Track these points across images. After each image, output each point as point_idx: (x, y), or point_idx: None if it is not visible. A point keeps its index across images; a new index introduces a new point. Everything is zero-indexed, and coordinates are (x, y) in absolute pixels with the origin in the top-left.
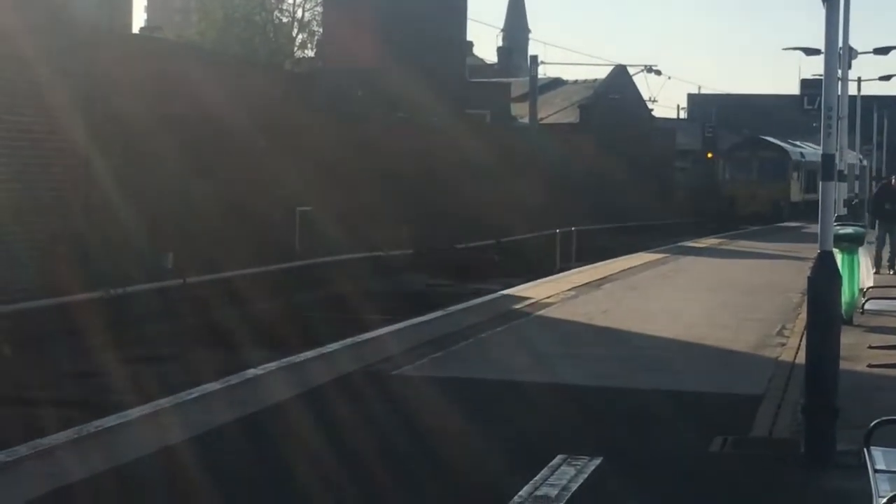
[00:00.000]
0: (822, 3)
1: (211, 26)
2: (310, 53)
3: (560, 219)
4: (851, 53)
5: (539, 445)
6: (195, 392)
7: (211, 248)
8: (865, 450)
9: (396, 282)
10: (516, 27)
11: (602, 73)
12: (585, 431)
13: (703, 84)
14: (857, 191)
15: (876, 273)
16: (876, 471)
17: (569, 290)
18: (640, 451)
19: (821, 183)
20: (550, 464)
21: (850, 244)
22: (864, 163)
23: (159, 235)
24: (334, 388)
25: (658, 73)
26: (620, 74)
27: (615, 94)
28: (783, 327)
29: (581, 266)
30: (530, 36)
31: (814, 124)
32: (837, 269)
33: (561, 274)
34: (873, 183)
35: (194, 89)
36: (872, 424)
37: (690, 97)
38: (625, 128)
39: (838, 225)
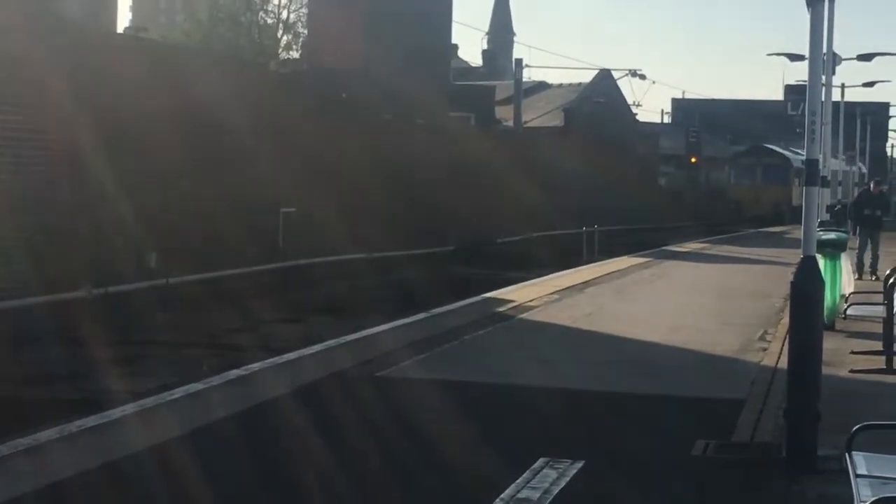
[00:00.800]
0: (806, 10)
1: (196, 27)
2: (295, 55)
3: (558, 219)
4: (835, 59)
5: (521, 448)
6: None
7: (197, 248)
8: (847, 455)
9: (445, 272)
10: (501, 30)
11: (587, 76)
12: (568, 435)
13: (687, 89)
14: (839, 197)
15: (858, 279)
16: (857, 476)
17: (552, 293)
18: (621, 455)
19: (804, 188)
20: (532, 467)
21: (833, 250)
22: (863, 168)
23: (143, 234)
24: (319, 388)
25: (642, 77)
26: (605, 78)
27: (600, 98)
28: (765, 332)
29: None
30: (515, 39)
31: (797, 130)
32: (820, 274)
33: (546, 277)
34: (855, 189)
35: (181, 89)
36: (854, 429)
37: (675, 101)
38: (609, 132)
39: (821, 230)
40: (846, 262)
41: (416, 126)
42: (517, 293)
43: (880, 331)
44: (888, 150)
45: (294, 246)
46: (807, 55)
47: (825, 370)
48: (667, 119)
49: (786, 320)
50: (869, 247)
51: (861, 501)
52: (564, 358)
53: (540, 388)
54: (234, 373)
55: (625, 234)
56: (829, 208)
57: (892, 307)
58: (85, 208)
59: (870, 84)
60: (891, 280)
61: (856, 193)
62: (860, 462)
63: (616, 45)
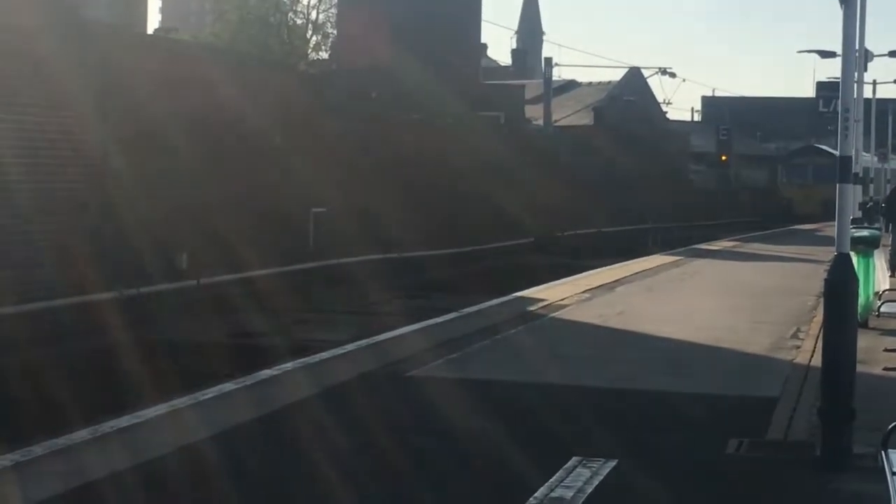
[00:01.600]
0: (839, 6)
1: (226, 27)
2: (324, 55)
3: (592, 217)
4: (867, 56)
5: (554, 447)
6: (211, 391)
7: (226, 248)
8: (882, 453)
9: (528, 260)
10: (530, 29)
11: (616, 75)
12: (601, 433)
13: (717, 87)
14: (871, 194)
15: (891, 276)
16: (893, 473)
17: (583, 291)
18: (655, 454)
19: (837, 185)
20: (566, 466)
21: (866, 247)
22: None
23: (174, 235)
24: (351, 388)
25: (672, 75)
26: (635, 77)
27: (629, 97)
28: (798, 330)
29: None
30: (544, 38)
31: (829, 127)
32: (854, 271)
33: (577, 276)
34: (887, 186)
35: (210, 89)
36: (890, 427)
37: (705, 99)
38: (639, 130)
39: (854, 228)
40: (879, 260)
41: (446, 125)
42: (548, 292)
43: None
44: None
45: (346, 244)
46: (838, 52)
47: (859, 368)
48: (697, 117)
49: (819, 318)
50: None
51: None
52: (596, 357)
53: (572, 387)
54: (265, 373)
55: (680, 229)
56: (861, 206)
57: None
58: (115, 209)
59: None
60: None
61: (888, 191)
62: None
63: (646, 44)
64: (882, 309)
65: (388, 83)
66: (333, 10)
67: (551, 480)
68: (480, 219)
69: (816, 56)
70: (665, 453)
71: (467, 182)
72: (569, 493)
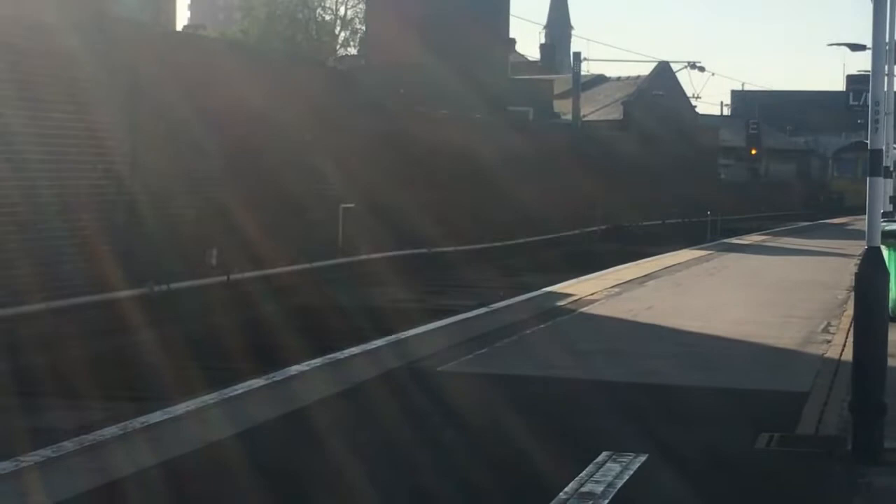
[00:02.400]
0: None
1: (254, 24)
2: (352, 51)
3: (623, 211)
4: None
5: (584, 442)
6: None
7: (255, 245)
8: None
9: (594, 247)
10: (559, 24)
11: (645, 69)
12: (631, 428)
13: (746, 80)
14: None
15: None
16: None
17: (613, 286)
18: (685, 448)
19: (868, 179)
20: (596, 460)
21: None
22: None
23: (203, 232)
24: (378, 384)
25: (701, 69)
26: (664, 71)
27: (658, 91)
28: (829, 324)
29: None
30: (573, 33)
31: (859, 121)
32: (885, 265)
33: (606, 270)
34: None
35: (238, 86)
36: None
37: (734, 94)
38: (668, 124)
39: (884, 221)
40: None
41: (475, 121)
42: (578, 287)
43: None
44: None
45: (395, 238)
46: (868, 45)
47: (890, 362)
48: (726, 111)
49: (849, 312)
50: None
51: None
52: (625, 352)
53: (602, 382)
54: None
55: (732, 221)
56: (893, 199)
57: None
58: (145, 207)
59: None
60: None
61: None
62: None
63: (674, 38)
64: None
65: (416, 79)
66: (362, 6)
67: (581, 475)
68: (512, 214)
69: (846, 49)
70: (695, 448)
71: (497, 176)
72: (599, 488)
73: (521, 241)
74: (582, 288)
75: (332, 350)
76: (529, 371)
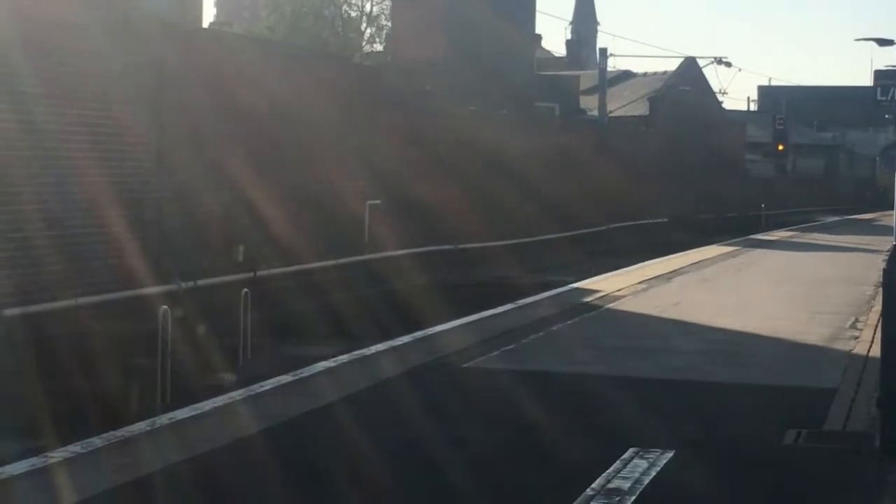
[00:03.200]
0: None
1: (280, 21)
2: (378, 47)
3: (652, 207)
4: None
5: (611, 438)
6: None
7: (281, 241)
8: None
9: (662, 236)
10: (585, 20)
11: (672, 65)
12: (657, 424)
13: (773, 76)
14: None
15: None
16: None
17: (639, 282)
18: (712, 444)
19: (895, 174)
20: (623, 457)
21: None
22: None
23: (230, 228)
24: (405, 380)
25: (728, 64)
26: (690, 66)
27: (685, 87)
28: (856, 320)
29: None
30: (599, 28)
31: (886, 116)
32: None
33: (633, 266)
34: None
35: (264, 83)
36: None
37: (761, 89)
38: (695, 120)
39: None
40: None
41: (501, 117)
42: (604, 283)
43: None
44: None
45: (448, 233)
46: None
47: None
48: (753, 107)
49: (877, 308)
50: None
51: None
52: (652, 348)
53: (628, 378)
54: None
55: (782, 215)
56: None
57: None
58: (171, 204)
59: None
60: None
61: None
62: None
63: (701, 33)
64: None
65: (442, 75)
66: (388, 2)
67: (608, 471)
68: (538, 209)
69: (874, 44)
70: (722, 444)
71: (523, 172)
72: (626, 485)
73: (549, 237)
74: (609, 284)
75: (358, 347)
76: (556, 367)
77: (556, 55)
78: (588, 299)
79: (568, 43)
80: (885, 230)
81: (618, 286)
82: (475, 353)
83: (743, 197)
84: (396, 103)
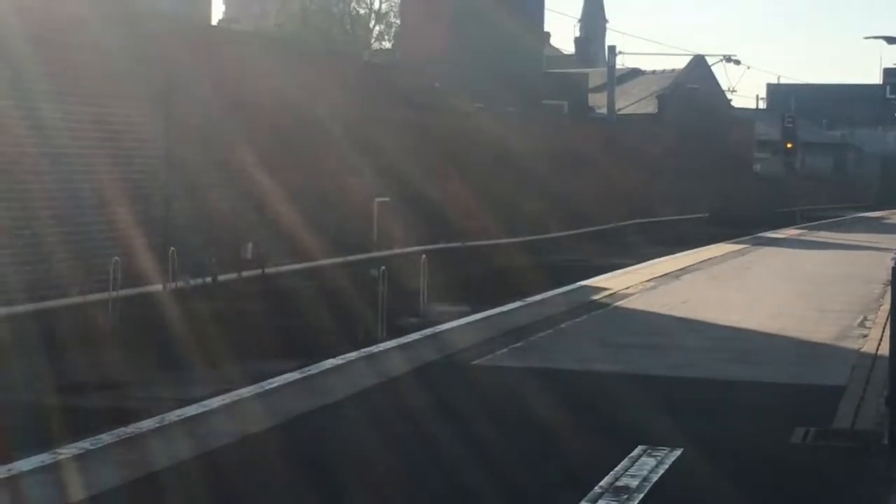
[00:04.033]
0: None
1: (289, 18)
2: (387, 45)
3: (659, 205)
4: None
5: (619, 436)
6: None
7: (290, 238)
8: None
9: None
10: (594, 17)
11: (680, 63)
12: (665, 422)
13: (782, 74)
14: None
15: None
16: None
17: (648, 280)
18: (720, 443)
19: None
20: (631, 454)
21: None
22: None
23: (238, 225)
24: (414, 377)
25: (737, 62)
26: (699, 64)
27: (694, 85)
28: (865, 318)
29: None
30: (608, 26)
31: (895, 114)
32: None
33: (641, 265)
34: None
35: (273, 80)
36: None
37: (770, 87)
38: (704, 118)
39: None
40: None
41: (509, 115)
42: (613, 281)
43: None
44: None
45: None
46: None
47: None
48: (762, 104)
49: (886, 306)
50: None
51: None
52: (660, 346)
53: (636, 376)
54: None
55: (812, 211)
56: None
57: None
58: (179, 201)
59: None
60: None
61: None
62: None
63: (710, 31)
64: None
65: (451, 72)
66: (396, 0)
67: (616, 469)
68: (544, 206)
69: (883, 42)
70: (730, 442)
71: (531, 169)
72: (634, 482)
73: (558, 234)
74: (617, 282)
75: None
76: (565, 364)
77: (565, 53)
78: (596, 297)
79: (576, 40)
80: (895, 228)
81: (626, 284)
82: (484, 351)
83: (753, 195)
84: (405, 101)
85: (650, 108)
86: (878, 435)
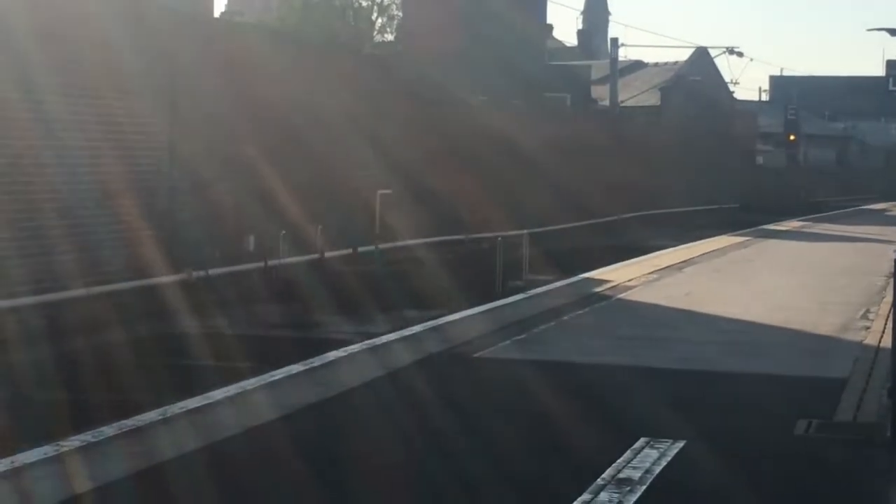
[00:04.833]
0: None
1: (291, 11)
2: (389, 37)
3: (663, 197)
4: None
5: (621, 428)
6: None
7: (293, 231)
8: None
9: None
10: (596, 10)
11: (683, 55)
12: (668, 414)
13: (785, 66)
14: None
15: None
16: None
17: (651, 272)
18: (723, 435)
19: None
20: (633, 446)
21: None
22: None
23: (242, 218)
24: (417, 369)
25: (740, 54)
26: (702, 56)
27: (696, 77)
28: (868, 310)
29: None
30: (610, 18)
31: None
32: None
33: (644, 256)
34: None
35: (276, 73)
36: None
37: (773, 79)
38: (706, 110)
39: None
40: None
41: (512, 107)
42: (615, 273)
43: None
44: None
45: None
46: None
47: None
48: (764, 97)
49: (889, 298)
50: None
51: None
52: (663, 338)
53: (639, 368)
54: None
55: (843, 202)
56: None
57: None
58: (183, 194)
59: None
60: None
61: None
62: None
63: (713, 23)
64: None
65: (454, 64)
66: None
67: (619, 461)
68: (550, 198)
69: (886, 34)
70: (733, 434)
71: (535, 162)
72: (636, 475)
73: (564, 226)
74: (620, 274)
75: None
76: (567, 357)
77: (568, 45)
78: (599, 289)
79: (579, 33)
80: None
81: (629, 276)
82: (487, 343)
83: (771, 186)
84: (408, 93)
85: (653, 100)
86: (880, 427)
